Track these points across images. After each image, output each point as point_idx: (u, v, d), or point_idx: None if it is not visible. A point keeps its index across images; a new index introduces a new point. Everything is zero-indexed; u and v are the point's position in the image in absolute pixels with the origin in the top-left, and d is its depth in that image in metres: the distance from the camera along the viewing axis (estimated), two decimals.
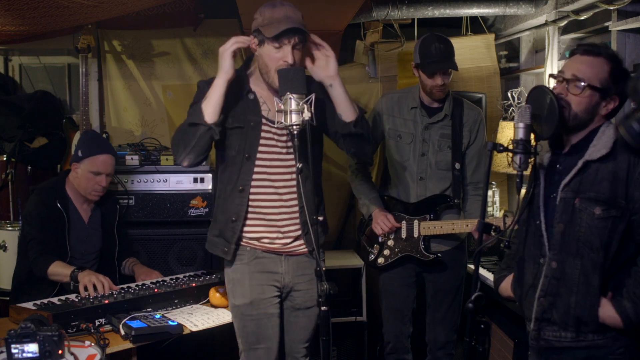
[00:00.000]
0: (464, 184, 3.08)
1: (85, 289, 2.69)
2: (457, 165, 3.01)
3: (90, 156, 3.04)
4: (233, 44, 2.26)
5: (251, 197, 2.39)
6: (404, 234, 3.04)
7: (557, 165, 2.02)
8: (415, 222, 3.02)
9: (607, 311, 1.88)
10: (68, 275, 2.79)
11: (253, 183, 2.38)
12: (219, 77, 2.27)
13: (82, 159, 3.04)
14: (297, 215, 2.44)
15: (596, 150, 1.91)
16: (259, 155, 2.38)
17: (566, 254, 1.94)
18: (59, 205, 3.02)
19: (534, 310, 1.99)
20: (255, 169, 2.38)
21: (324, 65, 2.31)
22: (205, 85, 2.37)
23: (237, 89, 2.38)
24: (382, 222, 3.01)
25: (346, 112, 2.33)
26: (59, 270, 2.84)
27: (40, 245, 2.93)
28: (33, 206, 3.03)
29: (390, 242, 3.08)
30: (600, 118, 1.98)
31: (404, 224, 3.04)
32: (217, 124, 2.28)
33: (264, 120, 2.38)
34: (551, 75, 2.04)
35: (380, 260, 3.09)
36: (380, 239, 3.10)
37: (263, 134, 2.38)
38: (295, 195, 2.42)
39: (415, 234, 3.02)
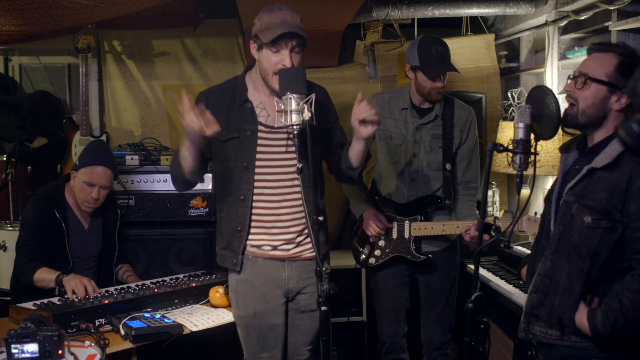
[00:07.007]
0: (455, 183, 3.06)
1: (74, 292, 2.68)
2: (448, 166, 2.99)
3: (86, 166, 3.01)
4: (200, 131, 2.15)
5: (253, 205, 2.39)
6: (395, 235, 3.04)
7: (576, 166, 2.00)
8: (406, 223, 3.01)
9: (582, 318, 1.89)
10: (53, 280, 2.76)
11: (255, 191, 2.38)
12: (188, 141, 2.25)
13: (79, 168, 3.03)
14: (299, 219, 2.43)
15: (601, 159, 1.89)
16: (257, 163, 2.37)
17: (559, 255, 1.95)
18: (57, 214, 2.99)
19: (524, 303, 2.03)
20: (255, 177, 2.37)
21: (363, 126, 2.25)
22: (202, 97, 2.39)
23: (233, 100, 2.39)
24: (373, 223, 2.99)
25: (357, 160, 2.40)
26: (44, 276, 2.81)
27: (29, 252, 2.91)
28: (29, 213, 3.01)
29: (382, 243, 3.07)
30: (618, 115, 1.93)
31: (395, 224, 3.03)
32: (195, 171, 2.35)
33: (260, 128, 2.37)
34: (569, 77, 2.01)
35: (372, 260, 3.08)
36: (371, 240, 3.08)
37: (260, 142, 2.37)
38: (296, 201, 2.41)
39: (406, 235, 3.01)
